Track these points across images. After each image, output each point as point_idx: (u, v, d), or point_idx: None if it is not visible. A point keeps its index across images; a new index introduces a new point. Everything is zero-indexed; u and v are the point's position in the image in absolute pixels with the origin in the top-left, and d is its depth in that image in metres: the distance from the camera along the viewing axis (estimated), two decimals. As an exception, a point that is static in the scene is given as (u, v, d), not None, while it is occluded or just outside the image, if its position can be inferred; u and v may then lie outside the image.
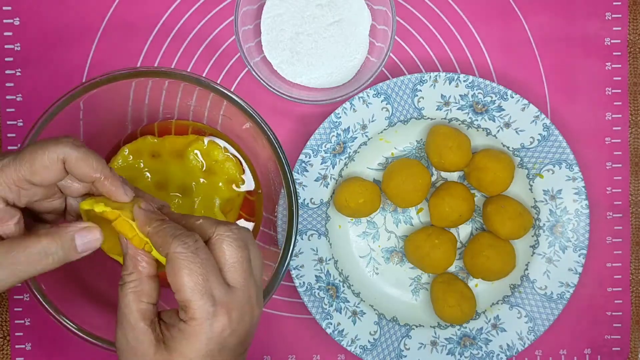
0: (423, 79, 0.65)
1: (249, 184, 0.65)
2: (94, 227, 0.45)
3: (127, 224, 0.45)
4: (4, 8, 0.68)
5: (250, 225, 0.66)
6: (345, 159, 0.67)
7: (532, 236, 0.67)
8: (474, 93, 0.65)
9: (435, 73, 0.65)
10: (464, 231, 0.69)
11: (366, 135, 0.66)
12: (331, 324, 0.66)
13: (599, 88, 0.70)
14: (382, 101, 0.65)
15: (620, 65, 0.70)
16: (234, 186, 0.64)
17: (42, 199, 0.47)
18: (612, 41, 0.70)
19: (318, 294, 0.66)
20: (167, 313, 0.45)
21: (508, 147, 0.67)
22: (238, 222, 0.65)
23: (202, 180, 0.64)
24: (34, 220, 0.48)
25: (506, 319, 0.67)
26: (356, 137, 0.66)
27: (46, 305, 0.53)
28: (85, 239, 0.45)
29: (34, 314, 0.68)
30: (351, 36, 0.66)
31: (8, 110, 0.68)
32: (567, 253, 0.66)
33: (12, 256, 0.43)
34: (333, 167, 0.66)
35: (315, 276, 0.66)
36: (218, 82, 0.68)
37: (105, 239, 0.47)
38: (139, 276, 0.44)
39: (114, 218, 0.45)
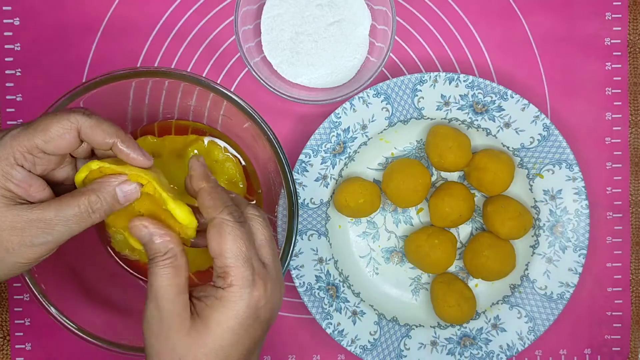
0: (423, 79, 0.65)
1: (248, 184, 0.65)
2: (131, 180, 0.46)
3: (149, 182, 0.46)
4: (4, 8, 0.68)
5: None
6: (345, 159, 0.67)
7: (532, 236, 0.68)
8: (474, 93, 0.65)
9: (435, 73, 0.65)
10: (464, 231, 0.69)
11: (366, 135, 0.66)
12: (331, 324, 0.66)
13: (599, 88, 0.70)
14: (382, 101, 0.65)
15: (620, 65, 0.70)
16: (234, 186, 0.64)
17: (55, 167, 0.47)
18: (612, 41, 0.70)
19: (318, 294, 0.66)
20: (197, 288, 0.45)
21: (508, 147, 0.67)
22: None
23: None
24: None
25: (506, 319, 0.67)
26: (356, 137, 0.66)
27: (46, 305, 0.53)
28: (126, 189, 0.46)
29: (34, 314, 0.68)
30: (351, 36, 0.66)
31: (8, 110, 0.68)
32: (567, 253, 0.66)
33: (63, 215, 0.44)
34: (333, 167, 0.66)
35: (315, 276, 0.66)
36: (218, 82, 0.68)
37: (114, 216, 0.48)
38: (173, 250, 0.45)
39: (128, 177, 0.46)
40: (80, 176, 0.47)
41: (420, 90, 0.65)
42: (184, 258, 0.45)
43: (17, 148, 0.44)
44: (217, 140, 0.64)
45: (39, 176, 0.46)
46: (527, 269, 0.67)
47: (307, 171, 0.66)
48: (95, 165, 0.46)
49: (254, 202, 0.65)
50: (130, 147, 0.47)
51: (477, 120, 0.66)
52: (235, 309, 0.43)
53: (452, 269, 0.69)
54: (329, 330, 0.66)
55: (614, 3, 0.70)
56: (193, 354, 0.43)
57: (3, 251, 0.44)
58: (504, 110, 0.66)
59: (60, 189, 0.48)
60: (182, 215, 0.46)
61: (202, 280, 0.64)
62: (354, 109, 0.65)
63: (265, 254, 0.45)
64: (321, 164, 0.66)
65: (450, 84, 0.65)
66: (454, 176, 0.69)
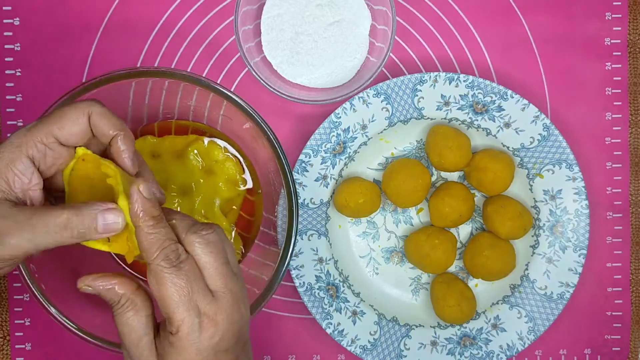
0: (423, 79, 0.65)
1: (248, 184, 0.65)
2: (118, 209, 0.44)
3: (114, 180, 0.45)
4: (4, 8, 0.68)
5: (249, 226, 0.66)
6: (345, 159, 0.67)
7: (532, 236, 0.67)
8: (474, 93, 0.65)
9: (435, 73, 0.65)
10: (464, 231, 0.69)
11: (366, 135, 0.66)
12: (331, 324, 0.66)
13: (599, 88, 0.70)
14: (382, 101, 0.65)
15: (620, 65, 0.70)
16: (234, 186, 0.64)
17: (63, 165, 0.47)
18: (612, 41, 0.70)
19: (318, 294, 0.66)
20: (162, 324, 0.45)
21: (508, 147, 0.67)
22: (232, 222, 0.65)
23: (202, 180, 0.64)
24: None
25: (506, 319, 0.67)
26: (356, 137, 0.66)
27: (46, 305, 0.53)
28: (107, 220, 0.44)
29: (34, 314, 0.68)
30: (351, 36, 0.66)
31: (8, 110, 0.68)
32: (567, 253, 0.66)
33: (32, 222, 0.43)
34: (333, 167, 0.66)
35: (315, 276, 0.66)
36: (218, 82, 0.68)
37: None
38: (127, 295, 0.44)
39: (104, 170, 0.45)
40: (68, 167, 0.46)
41: (420, 90, 0.65)
42: (140, 297, 0.45)
43: (31, 137, 0.44)
44: (217, 140, 0.64)
45: (43, 175, 0.46)
46: (527, 269, 0.67)
47: (307, 171, 0.66)
48: (81, 151, 0.46)
49: (254, 201, 0.66)
50: (127, 145, 0.46)
51: (477, 120, 0.66)
52: (188, 355, 0.43)
53: (452, 269, 0.69)
54: (329, 330, 0.66)
55: (614, 3, 0.70)
56: None
57: None
58: (504, 110, 0.66)
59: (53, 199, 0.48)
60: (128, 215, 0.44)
61: None
62: (354, 109, 0.65)
63: (214, 283, 0.44)
64: (321, 164, 0.66)
65: (450, 84, 0.65)
66: (454, 176, 0.69)
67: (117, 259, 0.64)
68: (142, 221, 0.43)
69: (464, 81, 0.65)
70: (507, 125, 0.66)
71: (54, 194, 0.48)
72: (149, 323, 0.44)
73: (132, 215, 0.43)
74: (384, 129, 0.67)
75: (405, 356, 0.66)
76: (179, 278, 0.42)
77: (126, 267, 0.64)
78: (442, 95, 0.66)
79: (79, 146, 0.46)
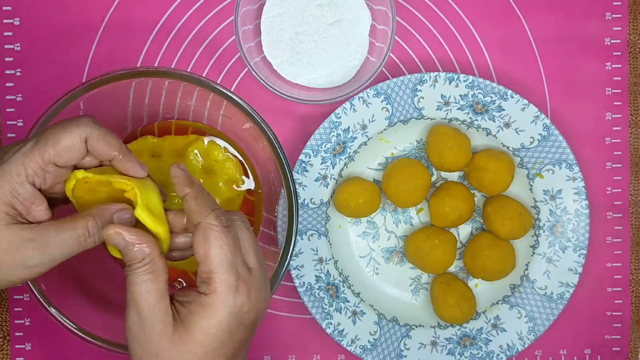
0: (423, 79, 0.65)
1: (248, 184, 0.65)
2: (128, 208, 0.47)
3: (133, 193, 0.46)
4: (4, 8, 0.68)
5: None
6: (345, 159, 0.67)
7: (532, 236, 0.68)
8: (474, 93, 0.65)
9: (435, 73, 0.65)
10: (464, 231, 0.69)
11: (366, 135, 0.66)
12: (331, 324, 0.66)
13: (599, 88, 0.70)
14: (382, 101, 0.65)
15: (620, 65, 0.70)
16: (234, 186, 0.64)
17: (62, 180, 0.47)
18: (612, 41, 0.70)
19: (318, 294, 0.66)
20: (181, 292, 0.45)
21: (508, 147, 0.67)
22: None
23: (202, 180, 0.64)
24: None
25: (506, 319, 0.67)
26: (356, 137, 0.66)
27: (46, 305, 0.53)
28: (123, 218, 0.47)
29: (34, 314, 0.68)
30: (351, 36, 0.66)
31: (8, 110, 0.68)
32: (567, 253, 0.66)
33: (61, 237, 0.45)
34: (333, 167, 0.66)
35: (315, 276, 0.66)
36: (218, 82, 0.68)
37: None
38: (152, 255, 0.44)
39: (117, 187, 0.47)
40: (69, 185, 0.47)
41: (420, 90, 0.65)
42: (162, 262, 0.45)
43: (29, 165, 0.45)
44: (217, 140, 0.64)
45: (43, 192, 0.46)
46: (527, 269, 0.67)
47: (307, 171, 0.66)
48: (80, 174, 0.47)
49: (254, 201, 0.66)
50: (130, 160, 0.47)
51: (477, 120, 0.66)
52: (219, 316, 0.43)
53: (452, 269, 0.69)
54: (329, 330, 0.66)
55: (614, 3, 0.70)
56: None
57: None
58: (504, 110, 0.66)
59: (53, 201, 0.48)
60: (153, 225, 0.46)
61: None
62: (354, 109, 0.65)
63: (251, 258, 0.45)
64: (321, 164, 0.66)
65: (450, 84, 0.65)
66: (454, 176, 0.69)
67: (117, 259, 0.64)
68: (191, 187, 0.45)
69: (464, 81, 0.65)
70: (507, 125, 0.66)
71: (59, 204, 0.49)
72: (165, 288, 0.44)
73: (182, 184, 0.45)
74: (384, 129, 0.67)
75: (405, 356, 0.66)
76: (227, 237, 0.43)
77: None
78: (442, 95, 0.66)
79: (77, 169, 0.47)
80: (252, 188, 0.65)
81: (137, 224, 0.47)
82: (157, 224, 0.46)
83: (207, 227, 0.43)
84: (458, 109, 0.66)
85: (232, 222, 0.45)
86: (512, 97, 0.65)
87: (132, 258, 0.44)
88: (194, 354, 0.43)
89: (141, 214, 0.45)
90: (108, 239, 0.45)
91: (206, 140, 0.64)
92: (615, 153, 0.70)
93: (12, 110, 0.68)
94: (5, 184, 0.44)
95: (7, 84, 0.68)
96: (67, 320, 0.53)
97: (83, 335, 0.53)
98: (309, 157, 0.66)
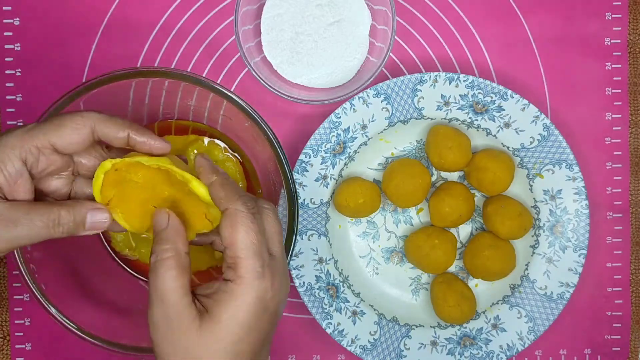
0: (423, 79, 0.65)
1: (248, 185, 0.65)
2: (105, 209, 0.47)
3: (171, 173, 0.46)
4: (4, 8, 0.68)
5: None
6: (345, 159, 0.67)
7: (532, 236, 0.68)
8: (474, 93, 0.65)
9: (435, 73, 0.65)
10: (464, 231, 0.69)
11: (366, 135, 0.66)
12: (331, 324, 0.66)
13: (599, 88, 0.70)
14: (382, 101, 0.65)
15: (620, 65, 0.70)
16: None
17: (54, 171, 0.47)
18: (612, 41, 0.70)
19: (318, 294, 0.66)
20: (202, 286, 0.45)
21: (508, 147, 0.67)
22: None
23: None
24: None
25: (506, 319, 0.67)
26: (356, 137, 0.66)
27: (46, 305, 0.53)
28: (95, 217, 0.47)
29: (34, 314, 0.68)
30: (351, 36, 0.66)
31: (8, 110, 0.68)
32: (567, 253, 0.66)
33: (30, 217, 0.45)
34: (333, 167, 0.66)
35: (315, 276, 0.66)
36: (218, 82, 0.68)
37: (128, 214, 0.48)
38: (178, 251, 0.44)
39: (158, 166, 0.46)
40: (97, 183, 0.47)
41: (420, 90, 0.65)
42: (188, 259, 0.45)
43: (28, 141, 0.45)
44: (217, 140, 0.64)
45: (33, 177, 0.46)
46: (527, 269, 0.67)
47: (307, 171, 0.66)
48: (109, 164, 0.46)
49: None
50: (146, 135, 0.47)
51: (477, 120, 0.66)
52: (247, 300, 0.43)
53: (452, 269, 0.69)
54: (329, 330, 0.66)
55: (614, 3, 0.70)
56: (208, 352, 0.43)
57: None
58: (504, 110, 0.66)
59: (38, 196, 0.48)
60: (205, 192, 0.46)
61: (202, 281, 0.64)
62: (354, 109, 0.65)
63: (275, 246, 0.46)
64: (321, 164, 0.66)
65: (450, 84, 0.65)
66: (454, 176, 0.69)
67: (117, 258, 0.65)
68: (217, 174, 0.46)
69: (464, 81, 0.65)
70: (507, 125, 0.66)
71: (44, 198, 0.49)
72: (189, 285, 0.44)
73: (208, 172, 0.46)
74: (384, 129, 0.67)
75: (405, 356, 0.66)
76: (253, 224, 0.44)
77: (127, 268, 0.64)
78: (442, 95, 0.66)
79: (105, 159, 0.47)
80: (252, 188, 0.65)
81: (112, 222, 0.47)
82: (207, 191, 0.46)
83: (234, 212, 0.44)
84: (458, 109, 0.66)
85: (259, 209, 0.46)
86: (512, 97, 0.65)
87: (164, 240, 0.45)
88: (226, 342, 0.43)
89: (196, 186, 0.45)
90: (157, 214, 0.46)
91: (206, 140, 0.64)
92: (615, 153, 0.70)
93: (12, 110, 0.68)
94: None
95: (7, 84, 0.68)
96: (67, 320, 0.53)
97: (83, 335, 0.53)
98: (309, 157, 0.66)
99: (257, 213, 0.45)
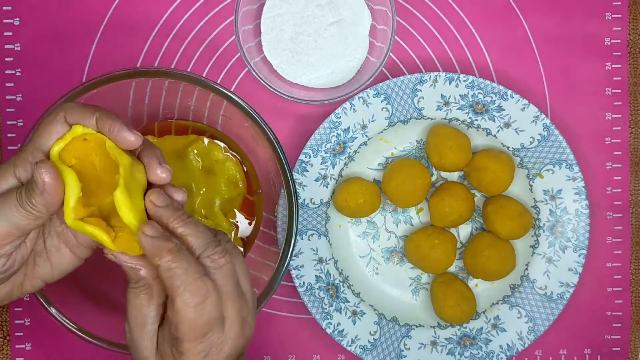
0: (423, 79, 0.65)
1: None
2: (49, 163, 0.43)
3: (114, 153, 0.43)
4: (4, 8, 0.68)
5: (250, 226, 0.66)
6: (345, 159, 0.67)
7: (532, 236, 0.68)
8: (474, 93, 0.65)
9: (435, 73, 0.65)
10: (464, 231, 0.69)
11: (366, 135, 0.66)
12: (331, 324, 0.66)
13: (599, 88, 0.70)
14: (382, 101, 0.65)
15: (620, 65, 0.70)
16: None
17: None
18: (612, 41, 0.70)
19: (318, 294, 0.66)
20: (165, 329, 0.45)
21: (508, 147, 0.67)
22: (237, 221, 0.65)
23: (201, 180, 0.64)
24: None
25: (506, 319, 0.67)
26: (356, 137, 0.66)
27: (46, 305, 0.53)
28: (42, 175, 0.43)
29: (34, 314, 0.68)
30: (351, 36, 0.66)
31: (8, 110, 0.68)
32: (567, 253, 0.66)
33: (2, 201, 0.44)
34: (333, 167, 0.66)
35: (315, 276, 0.66)
36: (218, 82, 0.68)
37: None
38: (149, 279, 0.45)
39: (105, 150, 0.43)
40: (59, 143, 0.44)
41: (420, 90, 0.65)
42: (157, 285, 0.45)
43: (21, 156, 0.45)
44: (217, 140, 0.64)
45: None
46: (527, 269, 0.67)
47: (307, 171, 0.66)
48: (80, 129, 0.43)
49: (254, 201, 0.65)
50: (112, 118, 0.44)
51: (477, 120, 0.66)
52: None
53: (452, 269, 0.69)
54: (329, 330, 0.66)
55: (614, 3, 0.70)
56: None
57: None
58: (504, 110, 0.66)
59: None
60: (125, 212, 0.42)
61: None
62: (354, 109, 0.65)
63: (226, 309, 0.44)
64: (321, 164, 0.66)
65: (450, 84, 0.65)
66: (454, 176, 0.69)
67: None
68: (161, 260, 0.42)
69: (464, 81, 0.65)
70: (507, 125, 0.66)
71: None
72: (157, 313, 0.45)
73: (148, 254, 0.42)
74: (384, 129, 0.67)
75: (405, 356, 0.66)
76: (202, 316, 0.42)
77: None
78: (442, 95, 0.66)
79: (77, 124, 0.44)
80: (252, 188, 0.65)
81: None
82: (129, 210, 0.42)
83: (180, 305, 0.42)
84: (458, 109, 0.66)
85: (209, 269, 0.43)
86: (512, 97, 0.65)
87: (129, 277, 0.45)
88: None
89: (118, 197, 0.42)
90: (107, 256, 0.45)
91: (206, 140, 0.64)
92: (615, 153, 0.70)
93: (12, 110, 0.68)
94: None
95: (7, 84, 0.68)
96: (67, 320, 0.53)
97: (83, 335, 0.53)
98: (309, 157, 0.66)
99: (209, 296, 0.42)
